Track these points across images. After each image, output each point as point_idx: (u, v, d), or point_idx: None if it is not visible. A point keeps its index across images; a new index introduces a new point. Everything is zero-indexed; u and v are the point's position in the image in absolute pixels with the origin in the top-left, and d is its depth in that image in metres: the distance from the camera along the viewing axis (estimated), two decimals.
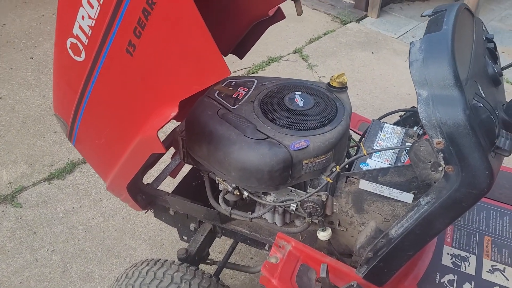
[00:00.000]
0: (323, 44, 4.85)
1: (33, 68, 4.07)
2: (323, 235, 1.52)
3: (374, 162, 1.46)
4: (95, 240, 2.59)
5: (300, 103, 1.60)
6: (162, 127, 1.26)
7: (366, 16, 5.57)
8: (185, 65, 1.19)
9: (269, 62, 4.43)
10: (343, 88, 1.73)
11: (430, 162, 1.14)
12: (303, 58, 4.56)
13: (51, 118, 3.39)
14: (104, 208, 2.79)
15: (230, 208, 1.65)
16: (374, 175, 1.35)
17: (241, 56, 2.09)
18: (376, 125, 1.61)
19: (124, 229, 2.65)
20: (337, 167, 1.40)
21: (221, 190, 1.72)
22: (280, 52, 4.62)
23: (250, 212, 1.64)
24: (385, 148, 1.46)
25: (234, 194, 1.63)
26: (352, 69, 4.42)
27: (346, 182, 1.42)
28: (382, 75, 4.36)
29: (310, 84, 1.77)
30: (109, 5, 1.19)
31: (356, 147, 1.96)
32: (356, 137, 2.05)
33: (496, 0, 6.13)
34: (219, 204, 1.68)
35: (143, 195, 1.89)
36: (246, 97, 1.68)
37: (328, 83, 1.74)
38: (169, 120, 1.27)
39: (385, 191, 1.36)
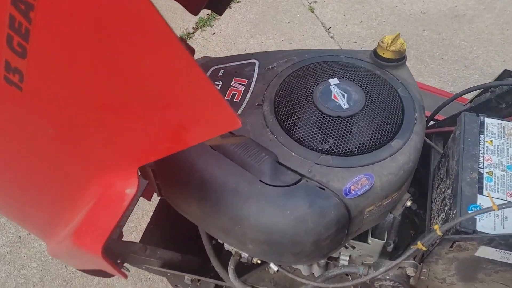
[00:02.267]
0: None
1: None
2: None
3: (486, 200, 0.91)
4: (57, 281, 2.06)
5: (343, 102, 1.01)
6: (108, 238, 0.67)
7: None
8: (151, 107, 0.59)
9: None
10: (401, 59, 1.13)
11: None
12: None
13: None
14: None
15: None
16: (509, 243, 0.81)
17: (220, 11, 1.44)
18: (471, 122, 1.04)
19: None
20: (437, 229, 0.84)
21: (228, 252, 1.17)
22: None
23: None
24: None
25: (252, 263, 1.08)
26: None
27: (451, 247, 0.88)
28: None
29: (345, 58, 1.15)
30: None
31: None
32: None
33: None
34: (230, 279, 1.13)
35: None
36: (248, 96, 1.08)
37: (375, 52, 1.14)
38: (125, 212, 0.68)
39: None
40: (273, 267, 1.06)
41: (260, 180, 0.90)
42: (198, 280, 1.43)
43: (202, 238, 1.25)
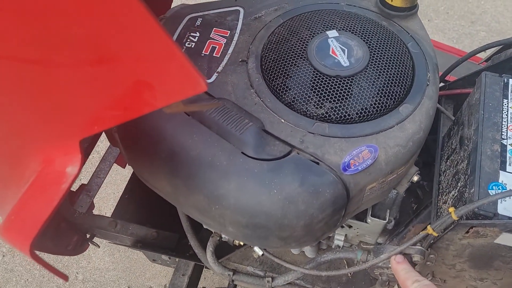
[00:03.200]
0: None
1: None
2: None
3: (509, 177, 0.78)
4: None
5: (343, 58, 0.86)
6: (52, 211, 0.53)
7: None
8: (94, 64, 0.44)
9: None
10: (413, 8, 0.97)
11: None
12: None
13: None
14: None
15: (232, 273, 0.98)
16: None
17: None
18: (492, 84, 0.89)
19: None
20: (452, 212, 0.72)
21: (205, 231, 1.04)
22: None
23: (270, 279, 0.98)
24: None
25: (233, 244, 0.96)
26: None
27: (467, 232, 0.75)
28: None
29: (346, 6, 0.99)
30: None
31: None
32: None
33: None
34: (209, 263, 1.00)
35: (71, 231, 1.20)
36: (230, 51, 0.93)
37: (382, 0, 0.98)
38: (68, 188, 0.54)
39: None
40: (258, 251, 0.94)
41: (242, 152, 0.76)
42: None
43: (180, 215, 1.12)
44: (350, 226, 0.99)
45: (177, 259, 1.32)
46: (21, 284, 1.85)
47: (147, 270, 1.89)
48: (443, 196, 0.95)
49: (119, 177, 2.14)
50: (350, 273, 1.14)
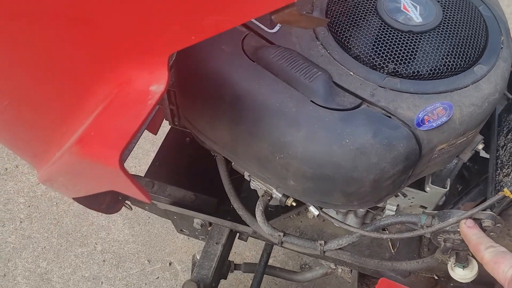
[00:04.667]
0: None
1: None
2: (465, 275, 0.87)
3: None
4: (46, 219, 1.93)
5: (415, 14, 0.83)
6: (132, 137, 0.51)
7: None
8: None
9: None
10: None
11: None
12: None
13: None
14: None
15: (282, 234, 0.96)
16: None
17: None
18: None
19: None
20: None
21: (248, 196, 1.02)
22: None
23: (323, 242, 0.95)
24: None
25: (284, 205, 0.94)
26: None
27: None
28: None
29: None
30: None
31: None
32: None
33: None
34: (257, 223, 0.98)
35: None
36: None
37: None
38: (152, 110, 0.52)
39: None
40: (313, 210, 0.91)
41: (311, 101, 0.74)
42: (210, 225, 1.29)
43: (221, 176, 1.10)
44: (404, 195, 0.96)
45: (209, 228, 1.30)
46: (38, 251, 1.84)
47: (167, 245, 1.87)
48: (504, 170, 0.93)
49: (140, 151, 2.12)
50: (394, 250, 1.12)
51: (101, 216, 1.93)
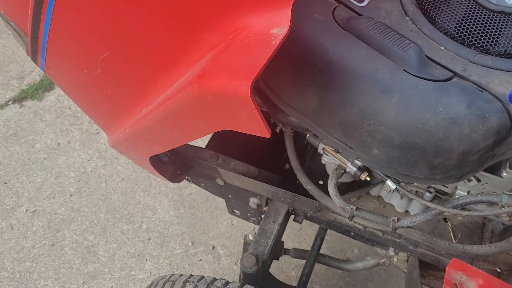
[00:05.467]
0: None
1: None
2: None
3: None
4: (95, 195, 1.98)
5: None
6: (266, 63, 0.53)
7: None
8: None
9: None
10: None
11: None
12: None
13: None
14: (103, 144, 2.14)
15: (354, 208, 0.96)
16: None
17: None
18: None
19: (135, 178, 2.03)
20: None
21: (325, 165, 1.03)
22: None
23: (396, 218, 0.96)
24: None
25: (359, 179, 0.95)
26: None
27: None
28: None
29: None
30: None
31: None
32: None
33: None
34: (329, 196, 0.99)
35: (172, 159, 1.22)
36: None
37: None
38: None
39: None
40: (391, 185, 0.92)
41: (404, 70, 0.75)
42: (266, 204, 1.31)
43: (288, 151, 1.12)
44: (478, 180, 0.96)
45: (265, 208, 1.31)
46: (86, 225, 1.89)
47: (210, 229, 1.89)
48: None
49: None
50: (456, 240, 1.12)
51: (148, 196, 1.97)
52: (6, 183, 2.00)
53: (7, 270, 1.76)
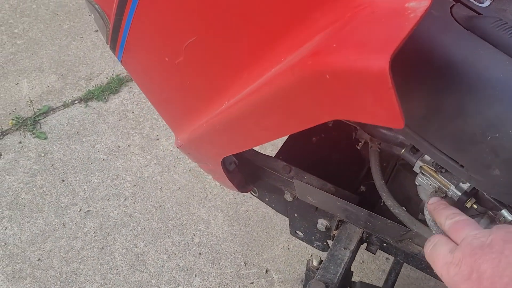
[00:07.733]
0: None
1: None
2: None
3: None
4: (149, 201, 1.93)
5: None
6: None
7: None
8: None
9: None
10: None
11: None
12: None
13: None
14: (162, 151, 2.10)
15: None
16: None
17: None
18: None
19: (191, 188, 1.97)
20: None
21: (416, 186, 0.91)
22: None
23: None
24: None
25: (464, 207, 0.82)
26: None
27: None
28: None
29: None
30: None
31: None
32: None
33: None
34: (417, 223, 0.87)
35: (240, 167, 1.13)
36: None
37: None
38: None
39: None
40: (507, 215, 0.78)
41: None
42: (337, 228, 1.19)
43: (373, 169, 1.00)
44: None
45: (335, 232, 1.20)
46: (137, 231, 1.83)
47: (265, 251, 1.79)
48: None
49: None
50: None
51: (202, 209, 1.90)
52: (63, 180, 1.99)
53: (55, 269, 1.72)
